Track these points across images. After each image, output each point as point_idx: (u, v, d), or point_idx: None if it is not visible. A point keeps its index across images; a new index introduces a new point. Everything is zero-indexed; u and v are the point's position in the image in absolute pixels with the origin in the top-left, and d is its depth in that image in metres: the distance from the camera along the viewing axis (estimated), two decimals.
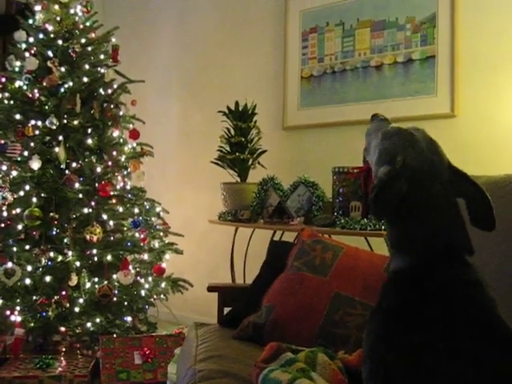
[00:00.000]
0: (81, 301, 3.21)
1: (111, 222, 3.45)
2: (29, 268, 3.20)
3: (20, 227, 3.28)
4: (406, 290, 1.08)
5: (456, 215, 1.13)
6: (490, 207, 1.15)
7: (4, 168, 3.34)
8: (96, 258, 3.32)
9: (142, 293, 3.46)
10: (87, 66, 3.57)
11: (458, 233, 1.12)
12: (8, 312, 3.21)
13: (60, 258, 3.24)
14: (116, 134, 3.60)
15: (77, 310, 3.21)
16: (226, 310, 2.29)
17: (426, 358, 0.98)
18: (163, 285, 3.58)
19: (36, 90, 3.41)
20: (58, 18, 3.53)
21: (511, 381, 0.94)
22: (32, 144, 3.34)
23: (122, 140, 3.65)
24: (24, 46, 3.52)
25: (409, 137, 1.17)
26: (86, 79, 3.50)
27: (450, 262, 1.08)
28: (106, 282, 3.23)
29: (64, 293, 3.19)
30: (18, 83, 3.45)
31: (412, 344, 1.01)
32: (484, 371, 0.94)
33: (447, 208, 1.12)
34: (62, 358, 3.15)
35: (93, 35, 3.69)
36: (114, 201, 3.47)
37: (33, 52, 3.48)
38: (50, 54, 3.48)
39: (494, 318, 1.02)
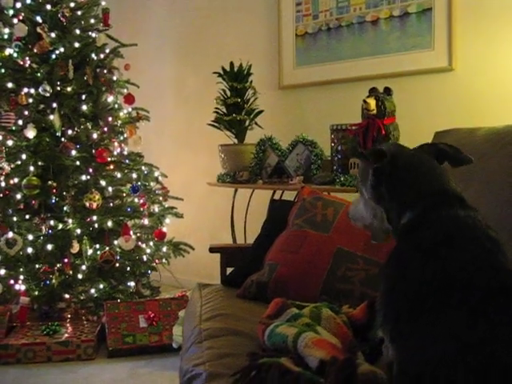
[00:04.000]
0: (83, 267, 3.23)
1: (110, 189, 3.44)
2: (30, 237, 3.21)
3: (19, 197, 3.27)
4: (415, 236, 1.09)
5: (444, 172, 1.19)
6: (457, 148, 1.26)
7: None
8: (96, 225, 3.33)
9: (144, 258, 3.48)
10: (78, 31, 3.51)
11: (451, 185, 1.17)
12: (12, 281, 3.23)
13: (60, 225, 3.24)
14: (110, 99, 3.57)
15: (80, 276, 3.23)
16: (229, 270, 2.30)
17: (432, 310, 0.99)
18: (165, 249, 3.60)
19: (27, 58, 3.35)
20: None
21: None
22: (26, 112, 3.30)
23: (116, 105, 3.62)
24: (12, 12, 3.43)
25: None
26: (77, 44, 3.45)
27: (452, 204, 1.12)
28: (107, 248, 3.24)
29: (66, 260, 3.21)
30: (8, 51, 3.38)
31: (420, 293, 1.02)
32: (491, 330, 0.94)
33: (434, 167, 1.19)
34: (68, 325, 3.18)
35: None
36: (111, 167, 3.46)
37: (21, 18, 3.41)
38: (38, 19, 3.41)
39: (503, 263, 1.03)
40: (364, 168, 1.26)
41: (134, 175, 3.54)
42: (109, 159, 3.39)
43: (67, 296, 3.32)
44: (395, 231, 1.19)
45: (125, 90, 3.69)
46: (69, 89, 3.36)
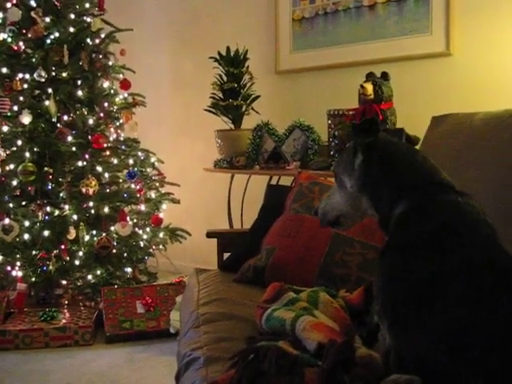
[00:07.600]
0: (80, 254, 3.23)
1: (106, 174, 3.44)
2: (26, 223, 3.20)
3: (15, 183, 3.26)
4: (414, 224, 1.08)
5: (429, 160, 1.16)
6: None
7: None
8: (93, 211, 3.32)
9: (141, 243, 3.48)
10: (72, 16, 3.48)
11: (444, 175, 1.14)
12: (9, 267, 3.23)
13: (57, 212, 3.24)
14: (106, 84, 3.54)
15: (77, 262, 3.23)
16: (226, 255, 2.30)
17: (431, 297, 0.99)
18: (161, 235, 3.60)
19: (21, 43, 3.33)
20: None
21: None
22: (21, 98, 3.28)
23: (112, 91, 3.60)
24: None
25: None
26: (72, 29, 3.42)
27: (446, 192, 1.10)
28: (104, 234, 3.24)
29: (63, 246, 3.21)
30: (1, 36, 3.35)
31: (418, 280, 1.01)
32: (493, 313, 0.94)
33: (427, 158, 1.16)
34: (66, 311, 3.19)
35: None
36: (107, 153, 3.44)
37: (15, 2, 3.38)
38: (33, 3, 3.38)
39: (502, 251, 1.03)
40: (348, 158, 1.20)
41: (131, 161, 3.53)
42: (105, 145, 3.38)
43: (64, 282, 3.32)
44: (383, 220, 1.16)
45: (120, 76, 3.67)
46: (64, 74, 3.34)
